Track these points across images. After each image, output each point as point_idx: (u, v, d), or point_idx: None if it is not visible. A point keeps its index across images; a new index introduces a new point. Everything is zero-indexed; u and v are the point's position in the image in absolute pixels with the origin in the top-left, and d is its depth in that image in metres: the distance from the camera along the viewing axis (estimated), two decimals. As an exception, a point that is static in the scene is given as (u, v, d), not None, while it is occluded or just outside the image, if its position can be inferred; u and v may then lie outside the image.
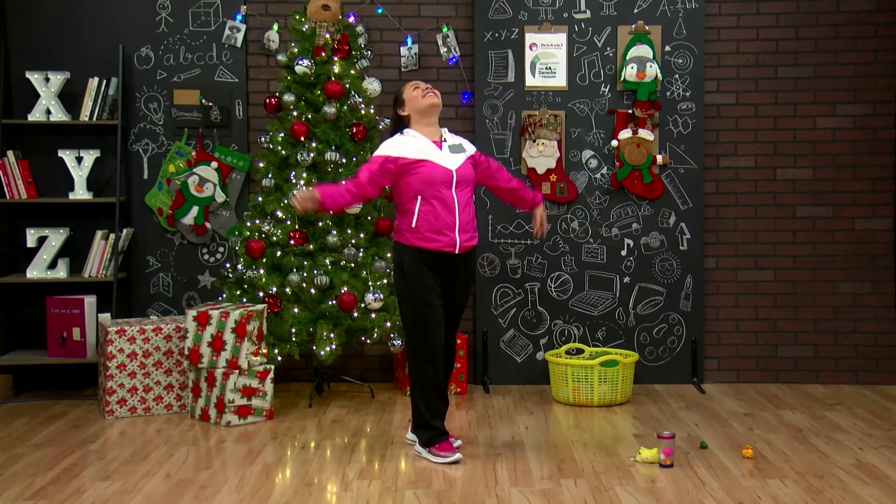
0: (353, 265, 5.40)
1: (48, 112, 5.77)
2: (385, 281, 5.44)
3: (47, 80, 5.76)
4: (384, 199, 5.61)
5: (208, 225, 5.93)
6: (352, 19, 5.72)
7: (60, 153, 5.76)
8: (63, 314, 5.67)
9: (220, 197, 5.91)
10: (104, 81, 5.81)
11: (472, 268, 4.66)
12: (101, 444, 4.75)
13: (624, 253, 5.96)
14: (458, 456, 4.38)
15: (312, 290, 5.35)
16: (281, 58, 5.58)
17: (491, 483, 4.12)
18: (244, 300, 5.43)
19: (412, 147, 4.40)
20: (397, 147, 4.41)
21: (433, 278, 4.38)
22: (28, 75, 5.76)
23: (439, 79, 5.98)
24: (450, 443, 4.43)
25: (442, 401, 4.48)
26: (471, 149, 4.58)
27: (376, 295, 5.31)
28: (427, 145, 4.42)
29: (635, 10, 5.91)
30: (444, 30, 5.92)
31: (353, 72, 5.53)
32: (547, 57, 5.93)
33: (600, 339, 5.97)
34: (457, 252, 4.40)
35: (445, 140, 4.49)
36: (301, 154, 5.38)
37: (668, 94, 5.92)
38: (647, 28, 5.88)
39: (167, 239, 5.98)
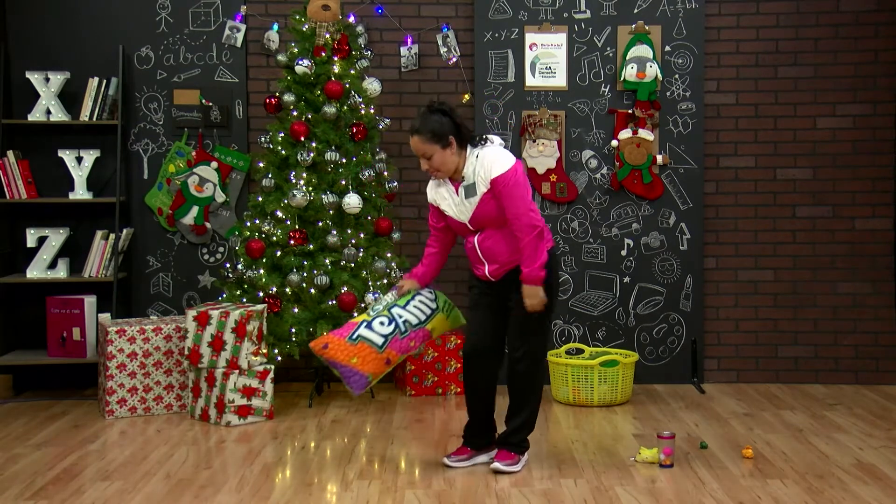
0: (353, 265, 5.40)
1: (48, 112, 5.77)
2: (385, 281, 5.44)
3: (47, 80, 5.76)
4: (384, 200, 5.62)
5: (208, 225, 5.93)
6: (352, 19, 5.72)
7: (60, 153, 5.76)
8: (63, 314, 5.67)
9: (220, 197, 5.91)
10: (104, 81, 5.81)
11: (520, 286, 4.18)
12: (101, 444, 4.75)
13: (624, 253, 5.96)
14: (445, 461, 4.37)
15: (312, 290, 5.35)
16: (281, 58, 5.58)
17: (491, 483, 4.12)
18: (244, 300, 5.43)
19: (440, 193, 4.28)
20: (431, 191, 4.33)
21: (479, 290, 4.34)
22: (28, 75, 5.76)
23: (439, 79, 5.99)
24: (463, 447, 4.41)
25: (472, 409, 4.38)
26: (485, 184, 4.10)
27: (376, 295, 5.31)
28: (447, 192, 4.24)
29: (635, 10, 5.91)
30: (444, 30, 5.92)
31: (353, 72, 5.53)
32: (547, 57, 5.93)
33: (600, 339, 5.97)
34: (492, 280, 4.27)
35: (463, 179, 4.16)
36: (301, 154, 5.38)
37: (668, 94, 5.92)
38: (647, 28, 5.88)
39: (167, 239, 5.98)
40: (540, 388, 4.35)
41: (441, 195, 4.27)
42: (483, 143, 4.20)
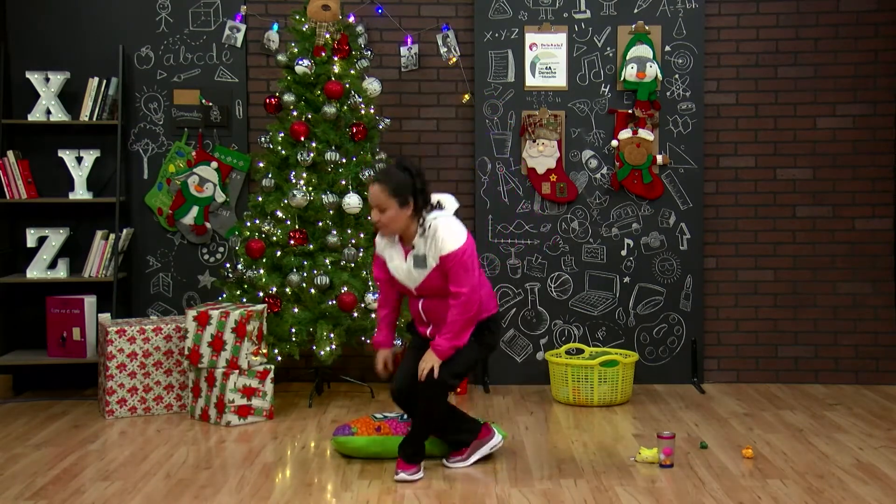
0: (353, 265, 5.40)
1: (48, 112, 5.77)
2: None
3: (47, 80, 5.76)
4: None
5: (208, 225, 5.93)
6: (352, 19, 5.72)
7: (60, 153, 5.76)
8: (63, 314, 5.67)
9: (220, 197, 5.91)
10: (104, 81, 5.81)
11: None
12: (101, 444, 4.75)
13: (624, 253, 5.96)
14: (445, 462, 4.39)
15: (312, 290, 5.35)
16: (281, 58, 5.58)
17: (491, 483, 4.12)
18: (244, 300, 5.43)
19: (390, 252, 4.24)
20: (381, 244, 4.29)
21: (414, 340, 4.40)
22: (28, 75, 5.76)
23: (439, 79, 5.99)
24: (462, 448, 4.40)
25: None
26: (435, 259, 4.06)
27: (376, 295, 5.31)
28: (397, 254, 4.21)
29: (635, 10, 5.91)
30: (445, 30, 5.92)
31: (353, 72, 5.53)
32: (547, 57, 5.93)
33: (600, 339, 5.97)
34: (429, 338, 4.27)
35: (414, 247, 4.13)
36: (301, 154, 5.38)
37: (668, 94, 5.92)
38: (647, 28, 5.88)
39: (167, 239, 5.98)
40: (433, 412, 4.19)
41: (391, 255, 4.25)
42: (436, 208, 4.15)
